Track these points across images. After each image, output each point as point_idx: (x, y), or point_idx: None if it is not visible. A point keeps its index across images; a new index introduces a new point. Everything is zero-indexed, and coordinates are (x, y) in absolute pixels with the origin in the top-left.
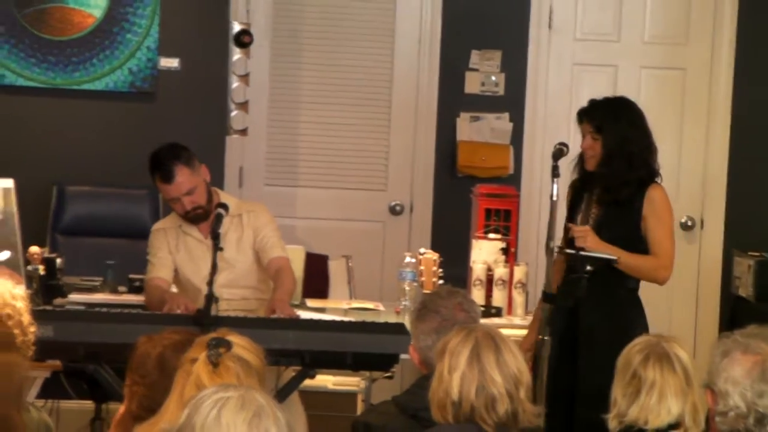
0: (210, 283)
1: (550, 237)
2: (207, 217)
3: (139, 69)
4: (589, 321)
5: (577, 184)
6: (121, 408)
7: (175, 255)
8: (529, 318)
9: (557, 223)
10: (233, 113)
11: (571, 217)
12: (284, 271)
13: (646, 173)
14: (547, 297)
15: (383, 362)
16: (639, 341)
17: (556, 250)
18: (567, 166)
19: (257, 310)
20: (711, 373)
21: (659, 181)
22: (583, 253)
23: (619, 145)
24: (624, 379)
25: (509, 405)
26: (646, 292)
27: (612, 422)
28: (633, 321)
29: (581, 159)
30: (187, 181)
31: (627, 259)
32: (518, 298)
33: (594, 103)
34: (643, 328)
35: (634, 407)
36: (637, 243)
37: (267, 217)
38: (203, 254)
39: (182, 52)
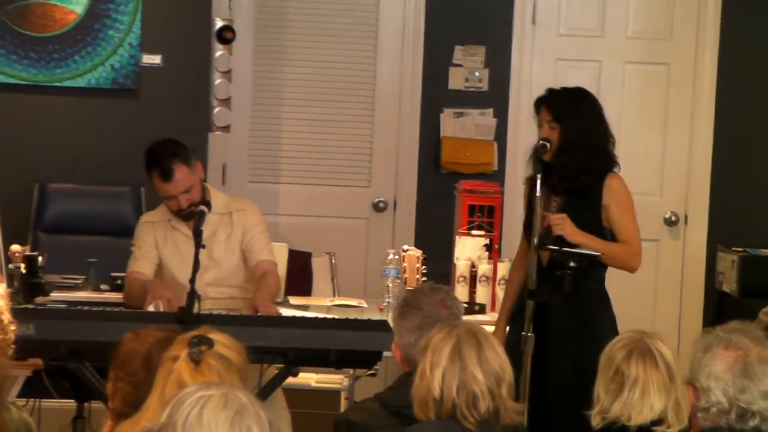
0: (192, 281)
1: (533, 234)
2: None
3: (121, 65)
4: (557, 315)
5: (535, 178)
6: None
7: (161, 249)
8: None
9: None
10: (216, 110)
11: (529, 213)
12: (270, 275)
13: (605, 163)
14: (530, 293)
15: (367, 359)
16: (622, 337)
17: (539, 246)
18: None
19: (242, 310)
20: (693, 369)
21: (617, 171)
22: (566, 249)
23: (578, 133)
24: (607, 376)
25: (491, 402)
26: (629, 287)
27: (595, 418)
28: (600, 314)
29: (537, 151)
30: (185, 179)
31: (605, 249)
32: (501, 294)
33: (552, 92)
34: (610, 320)
35: (617, 403)
36: (600, 232)
37: (257, 217)
38: (191, 251)
39: (164, 48)
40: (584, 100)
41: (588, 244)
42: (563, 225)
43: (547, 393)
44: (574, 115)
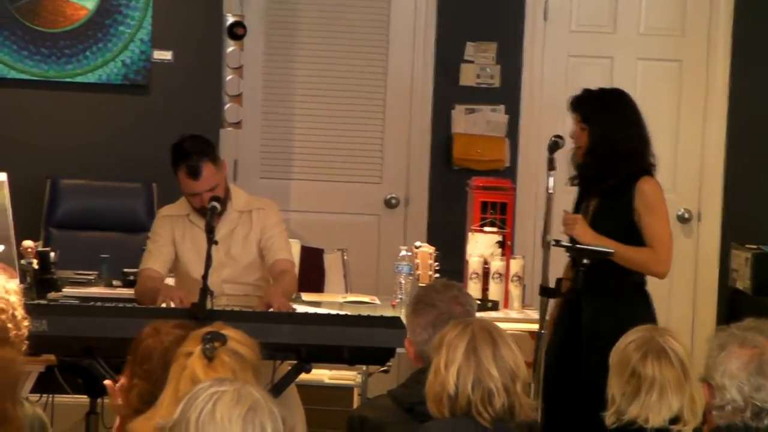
0: (205, 277)
1: (546, 230)
2: (221, 212)
3: (132, 61)
4: (590, 315)
5: (576, 179)
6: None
7: (179, 245)
8: (526, 311)
9: (554, 216)
10: (227, 106)
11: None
12: (287, 274)
13: (635, 166)
14: (544, 290)
15: (380, 356)
16: (632, 337)
17: (552, 243)
18: (562, 158)
19: (256, 307)
20: (708, 366)
21: (653, 173)
22: (578, 246)
23: (603, 136)
24: (622, 377)
25: (506, 399)
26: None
27: (609, 419)
28: (636, 315)
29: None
30: (212, 177)
31: (621, 251)
32: (515, 291)
33: (584, 93)
34: (649, 320)
35: (634, 405)
36: (631, 236)
37: (276, 217)
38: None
39: (175, 44)
40: (615, 101)
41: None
42: (573, 225)
43: (572, 391)
44: (602, 118)
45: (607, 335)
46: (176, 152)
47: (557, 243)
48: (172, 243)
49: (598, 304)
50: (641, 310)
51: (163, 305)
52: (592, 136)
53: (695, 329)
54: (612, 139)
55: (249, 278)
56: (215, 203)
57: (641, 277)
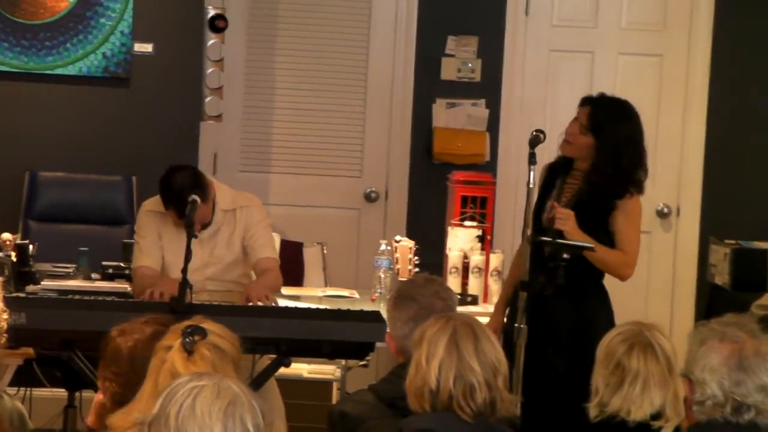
0: (184, 270)
1: (526, 224)
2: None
3: (112, 54)
4: (555, 311)
5: (555, 167)
6: (98, 395)
7: (163, 241)
8: None
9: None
10: (207, 99)
11: (542, 198)
12: (271, 271)
13: (630, 186)
14: (524, 285)
15: (359, 350)
16: (620, 330)
17: (532, 237)
18: (543, 152)
19: (237, 301)
20: (688, 362)
21: (642, 190)
22: (560, 241)
23: (613, 156)
24: (607, 369)
25: (487, 394)
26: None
27: (593, 411)
28: (597, 308)
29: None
30: (201, 214)
31: (599, 250)
32: (494, 285)
33: (600, 103)
34: (608, 318)
35: (617, 397)
36: (602, 236)
37: (260, 214)
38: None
39: (156, 36)
40: (627, 123)
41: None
42: (567, 221)
43: (543, 386)
44: (612, 137)
45: (573, 329)
46: (165, 189)
47: (537, 237)
48: (159, 237)
49: (562, 300)
50: (602, 308)
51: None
52: (600, 152)
53: (673, 325)
54: (619, 160)
55: (232, 275)
56: (195, 197)
57: (601, 276)
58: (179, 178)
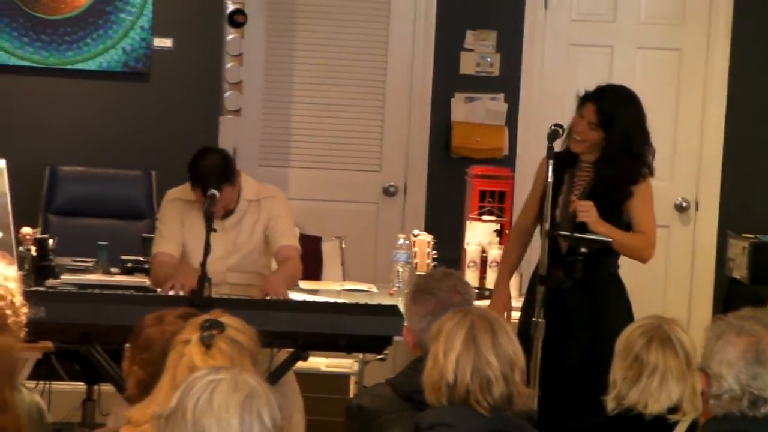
0: (203, 264)
1: (544, 219)
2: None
3: (132, 49)
4: (572, 304)
5: (560, 161)
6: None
7: (185, 230)
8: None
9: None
10: (227, 93)
11: (554, 193)
12: (291, 260)
13: (644, 169)
14: (542, 279)
15: (377, 344)
16: (640, 323)
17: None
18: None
19: (256, 296)
20: (705, 355)
21: (653, 173)
22: (577, 234)
23: (623, 145)
24: (625, 362)
25: (504, 388)
26: (639, 273)
27: (610, 404)
28: (615, 301)
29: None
30: (227, 197)
31: (620, 238)
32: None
33: (602, 94)
34: (625, 308)
35: (635, 390)
36: (618, 224)
37: (283, 204)
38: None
39: (176, 31)
40: (632, 107)
41: (608, 235)
42: (590, 212)
43: (560, 379)
44: (622, 125)
45: (590, 323)
46: (194, 171)
47: (554, 232)
48: (181, 226)
49: (579, 292)
50: (620, 298)
51: (171, 292)
52: (610, 142)
53: (691, 318)
54: (630, 146)
55: (253, 266)
56: (215, 191)
57: (616, 268)
58: (210, 159)
